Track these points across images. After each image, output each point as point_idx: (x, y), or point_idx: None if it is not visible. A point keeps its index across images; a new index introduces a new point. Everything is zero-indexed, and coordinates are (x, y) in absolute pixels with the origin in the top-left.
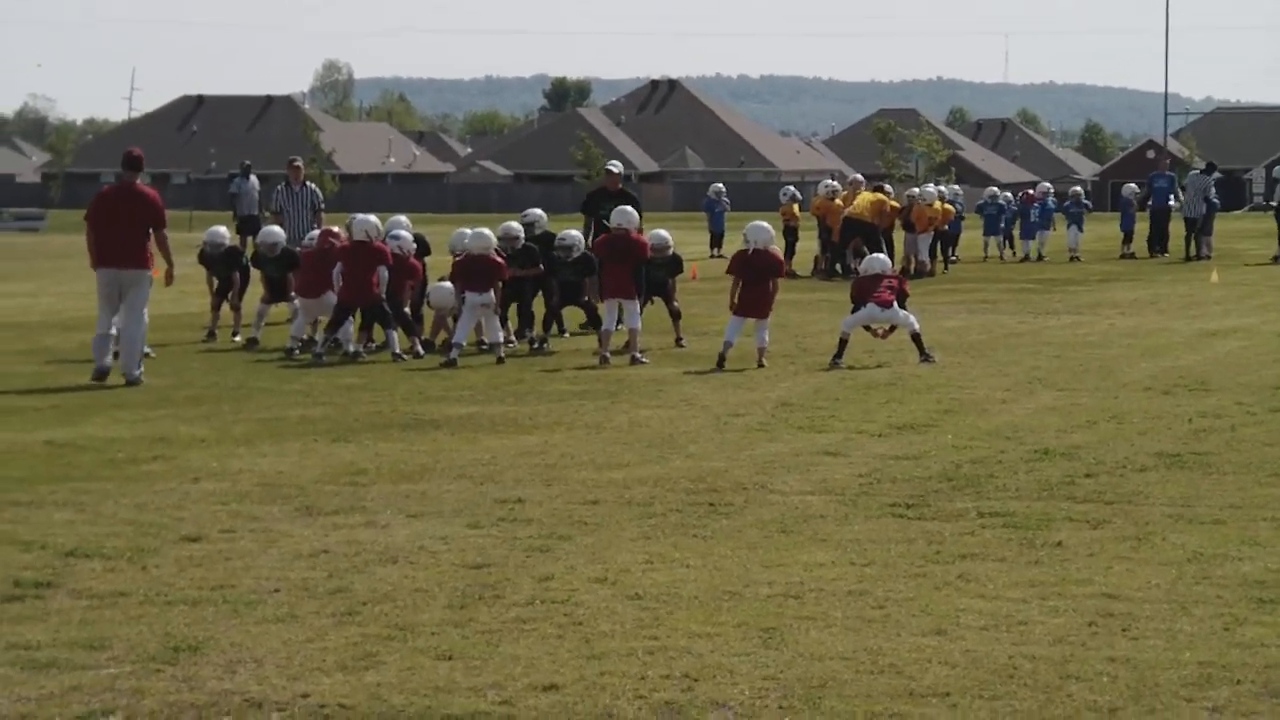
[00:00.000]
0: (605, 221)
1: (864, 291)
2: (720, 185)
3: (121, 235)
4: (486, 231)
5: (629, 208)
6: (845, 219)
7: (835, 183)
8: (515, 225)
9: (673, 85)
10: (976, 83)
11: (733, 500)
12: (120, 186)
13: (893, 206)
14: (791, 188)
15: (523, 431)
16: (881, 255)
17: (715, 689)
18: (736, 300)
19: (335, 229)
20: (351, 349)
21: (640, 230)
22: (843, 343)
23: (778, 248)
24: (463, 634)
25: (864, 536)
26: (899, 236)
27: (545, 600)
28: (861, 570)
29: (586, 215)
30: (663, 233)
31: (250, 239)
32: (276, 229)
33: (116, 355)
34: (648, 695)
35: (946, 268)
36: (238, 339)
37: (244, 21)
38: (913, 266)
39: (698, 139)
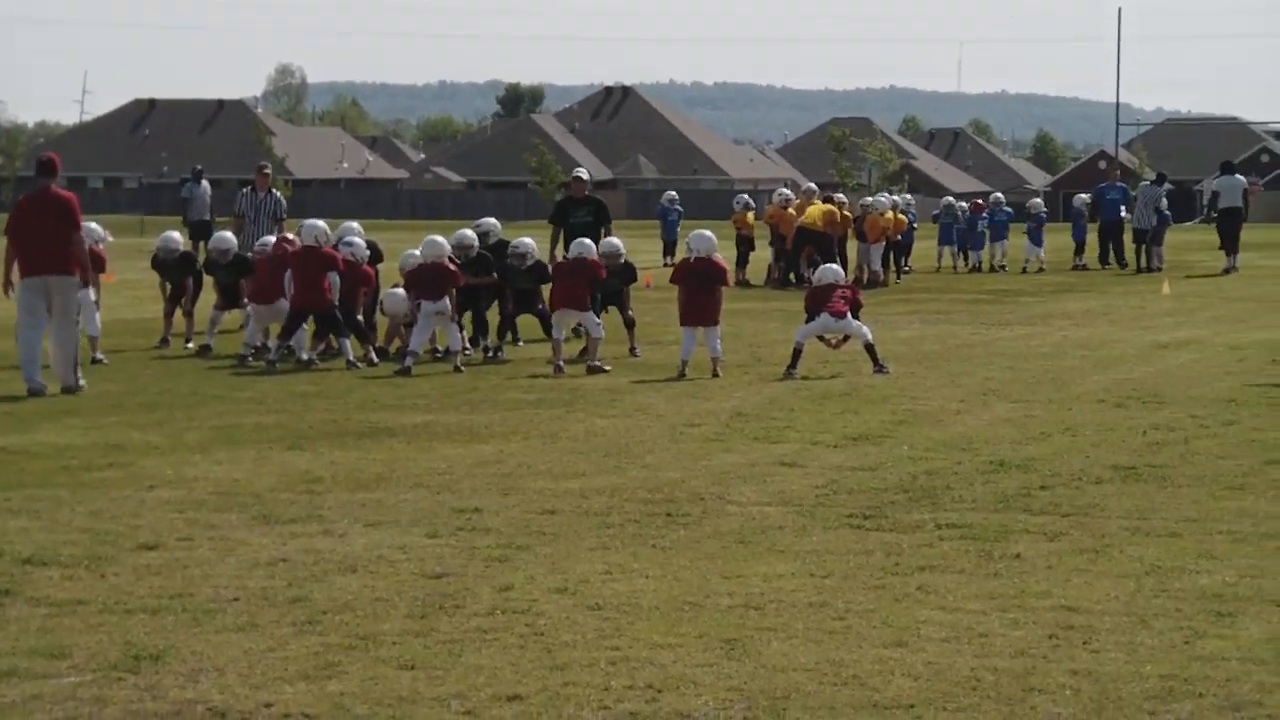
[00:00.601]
0: (574, 229)
1: (817, 301)
2: (673, 193)
3: (46, 243)
4: (440, 239)
5: (588, 240)
6: (798, 228)
7: (788, 191)
8: (469, 234)
9: (626, 92)
10: (929, 91)
11: (690, 511)
12: (38, 193)
13: (844, 216)
14: (745, 196)
15: (479, 440)
16: (834, 265)
17: (679, 700)
18: (682, 310)
19: (290, 235)
20: (305, 356)
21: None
22: (796, 353)
23: (721, 256)
24: (424, 644)
25: (822, 548)
26: (852, 246)
27: (506, 610)
28: (821, 582)
29: (555, 225)
30: (614, 241)
31: (202, 244)
32: (228, 234)
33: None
34: (612, 706)
35: (899, 278)
36: (190, 346)
37: (196, 24)
38: (865, 276)
39: (651, 146)
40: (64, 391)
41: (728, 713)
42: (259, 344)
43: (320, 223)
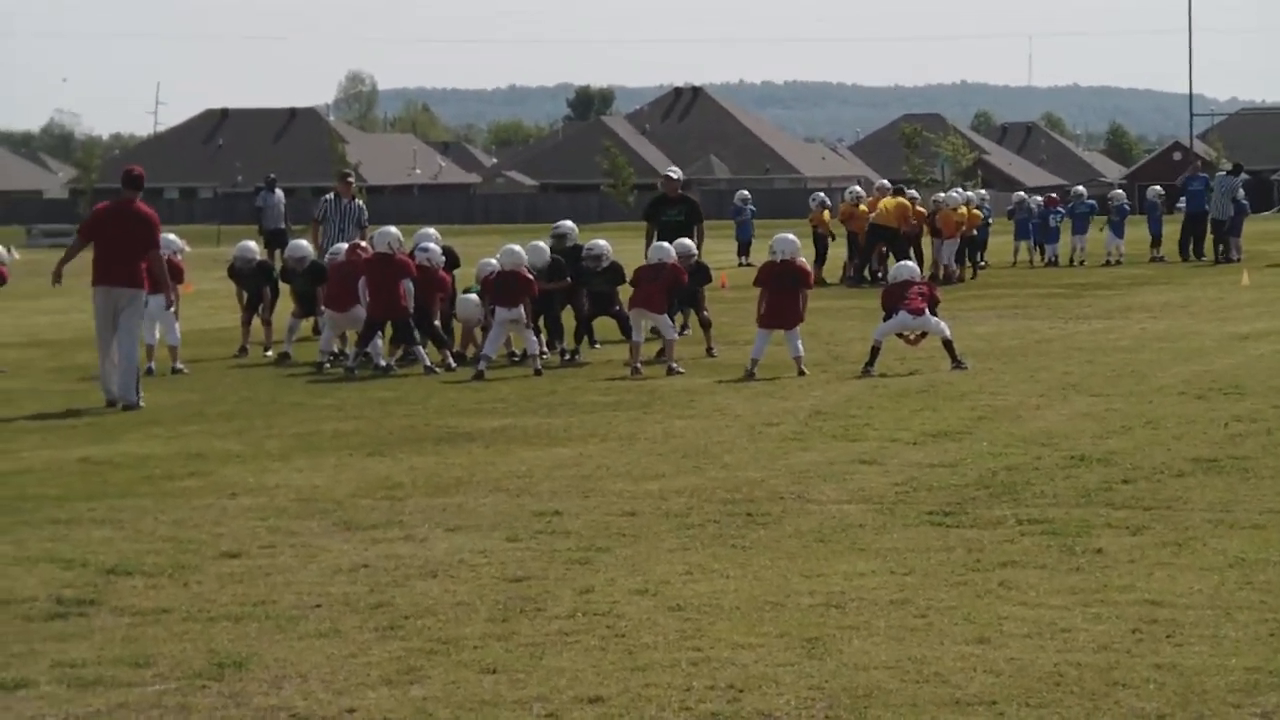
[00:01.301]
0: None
1: (894, 299)
2: (746, 193)
3: (118, 254)
4: (517, 248)
5: (666, 245)
6: (871, 225)
7: (860, 189)
8: (543, 246)
9: (696, 92)
10: (1001, 86)
11: (770, 510)
12: (120, 204)
13: (917, 211)
14: (821, 194)
15: (557, 443)
16: (909, 263)
17: (760, 700)
18: (763, 311)
19: (363, 243)
20: (383, 363)
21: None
22: (875, 351)
23: (804, 259)
24: (506, 647)
25: (903, 545)
26: (926, 243)
27: (587, 612)
28: (902, 579)
29: (649, 223)
30: (687, 241)
31: (277, 252)
32: (304, 243)
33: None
34: (693, 706)
35: (975, 274)
36: (269, 354)
37: (267, 34)
38: (941, 273)
39: (723, 146)
40: (123, 409)
41: (809, 712)
42: (334, 351)
43: (393, 230)
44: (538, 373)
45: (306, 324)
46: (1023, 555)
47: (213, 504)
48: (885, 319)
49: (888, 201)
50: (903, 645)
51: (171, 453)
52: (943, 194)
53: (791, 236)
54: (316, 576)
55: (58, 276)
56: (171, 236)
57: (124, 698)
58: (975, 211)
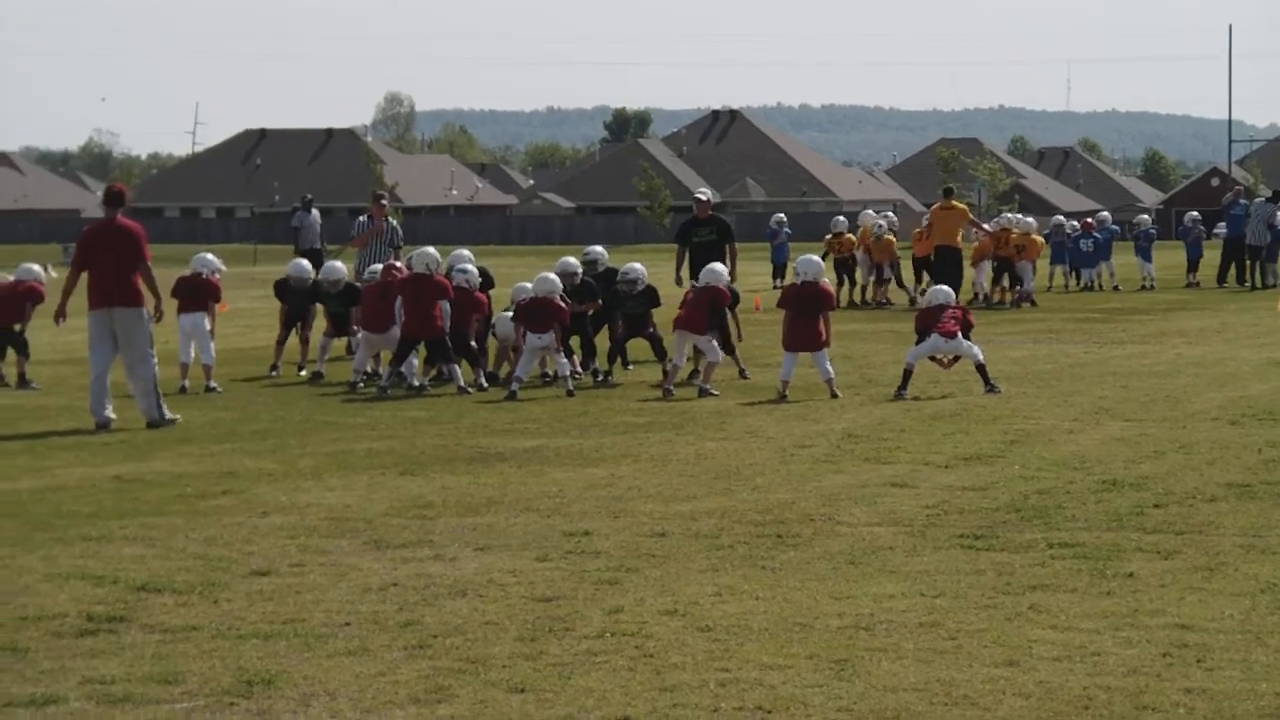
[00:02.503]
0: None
1: (928, 322)
2: (782, 215)
3: (110, 274)
4: (552, 276)
5: (719, 266)
6: (938, 248)
7: (880, 221)
8: (572, 260)
9: (733, 115)
10: (1038, 111)
11: (800, 532)
12: (104, 224)
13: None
14: (842, 218)
15: (588, 464)
16: (944, 286)
17: None
18: (788, 334)
19: (398, 263)
20: (416, 382)
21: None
22: (907, 374)
23: (829, 281)
24: (534, 667)
25: (933, 568)
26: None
27: (616, 632)
28: (932, 602)
29: (681, 245)
30: (718, 267)
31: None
32: (339, 264)
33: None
34: None
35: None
36: (304, 373)
37: (306, 55)
38: (980, 296)
39: (759, 169)
40: (149, 426)
41: None
42: (368, 371)
43: (431, 250)
44: (570, 394)
45: (339, 343)
46: (1053, 579)
47: (244, 522)
48: (918, 342)
49: (945, 215)
50: (932, 668)
51: (204, 471)
52: (1012, 216)
53: (816, 259)
54: (346, 595)
55: (61, 314)
56: (209, 256)
57: (153, 715)
58: (1038, 237)
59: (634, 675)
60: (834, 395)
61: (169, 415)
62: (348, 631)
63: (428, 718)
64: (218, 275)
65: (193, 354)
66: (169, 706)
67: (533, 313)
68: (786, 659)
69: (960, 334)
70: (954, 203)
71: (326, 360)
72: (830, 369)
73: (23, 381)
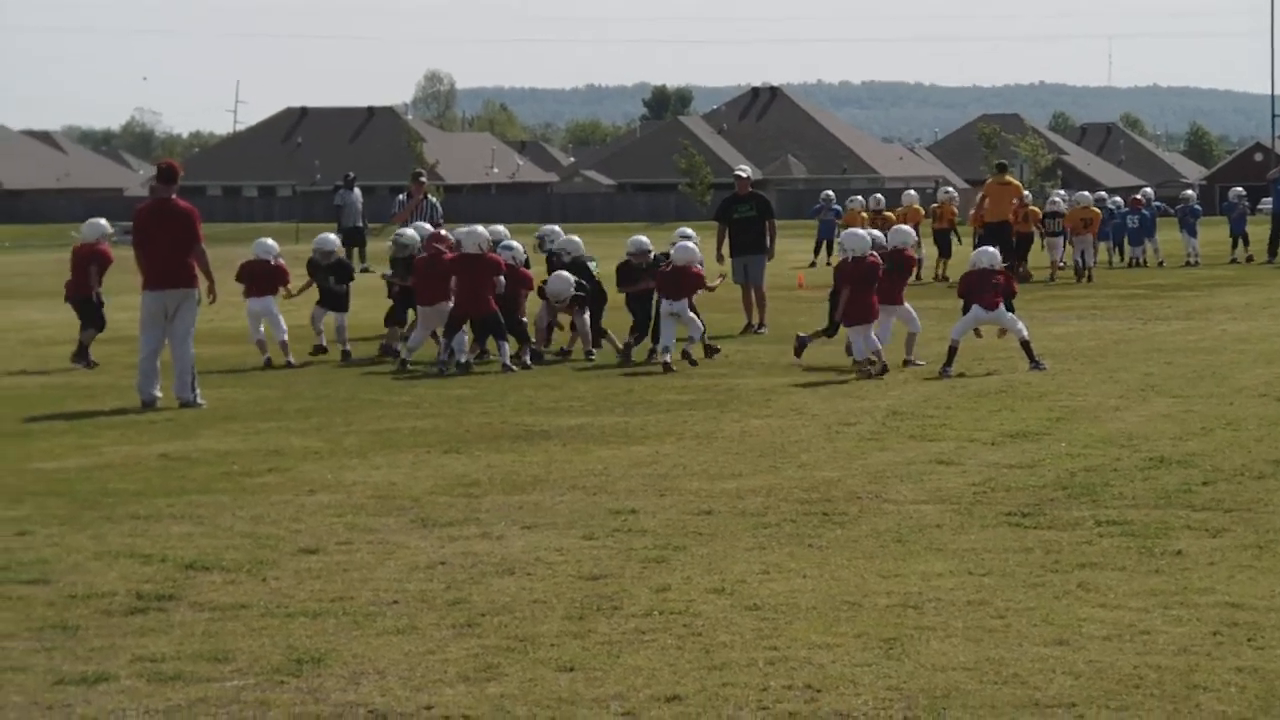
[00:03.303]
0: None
1: (971, 286)
2: (830, 192)
3: (164, 255)
4: (692, 245)
5: (690, 244)
6: (988, 224)
7: (952, 190)
8: (645, 240)
9: (774, 92)
10: (1079, 86)
11: (847, 510)
12: (157, 203)
13: (1033, 211)
14: (859, 197)
15: (634, 442)
16: (991, 249)
17: (838, 700)
18: (849, 309)
19: (444, 232)
20: (463, 359)
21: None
22: (952, 351)
23: (876, 254)
24: (583, 645)
25: (981, 546)
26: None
27: (664, 611)
28: (980, 580)
29: (720, 222)
30: (642, 239)
31: (355, 251)
32: (331, 236)
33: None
34: (771, 706)
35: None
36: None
37: (345, 33)
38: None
39: (800, 146)
40: (181, 406)
41: (887, 712)
42: (396, 349)
43: (480, 228)
44: (589, 355)
45: (325, 321)
46: (1102, 557)
47: (291, 500)
48: (964, 311)
49: (998, 190)
50: (981, 646)
51: (250, 449)
52: (1062, 193)
53: (861, 232)
54: (394, 573)
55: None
56: (270, 242)
57: (203, 693)
58: (1095, 210)
59: (682, 654)
60: (864, 375)
61: (200, 399)
62: (396, 610)
63: (477, 696)
64: (282, 260)
65: (263, 333)
66: (219, 684)
67: (670, 281)
68: (835, 637)
69: (1002, 305)
70: (1007, 178)
71: (336, 339)
72: (863, 349)
73: (81, 355)
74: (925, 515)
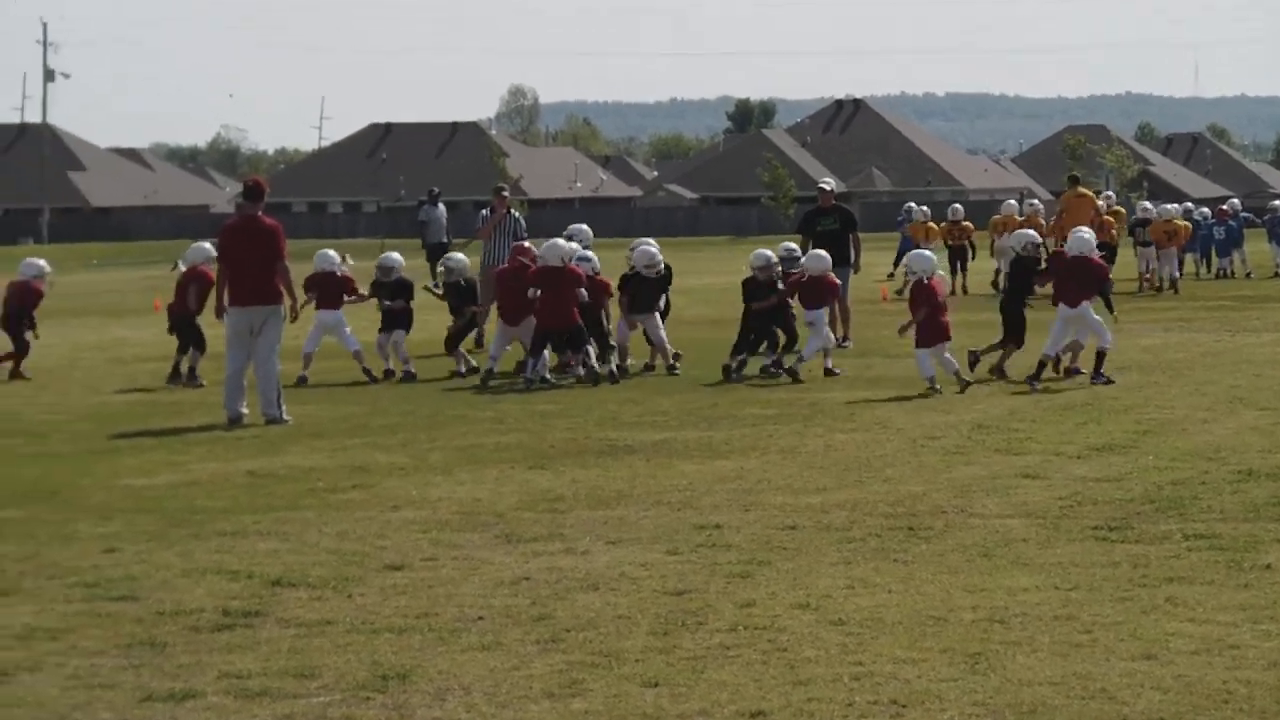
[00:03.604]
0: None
1: (1060, 267)
2: (913, 204)
3: (250, 272)
4: (826, 255)
5: (822, 252)
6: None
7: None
8: (769, 253)
9: (858, 104)
10: (1165, 96)
11: (932, 524)
12: (244, 220)
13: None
14: (925, 207)
15: (718, 456)
16: (1086, 232)
17: (924, 715)
18: (924, 331)
19: (527, 244)
20: (547, 375)
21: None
22: (1042, 365)
23: (940, 275)
24: (667, 661)
25: (1067, 560)
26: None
27: (748, 626)
28: (1066, 594)
29: (804, 235)
30: (651, 250)
31: (440, 267)
32: (395, 255)
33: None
34: None
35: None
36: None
37: (430, 48)
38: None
39: (884, 158)
40: (267, 423)
41: None
42: (468, 365)
43: (561, 242)
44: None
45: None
46: (1189, 571)
47: (375, 516)
48: (1054, 300)
49: (1076, 201)
50: (1068, 661)
51: (335, 465)
52: (1148, 204)
53: (929, 253)
54: (479, 589)
55: (220, 311)
56: (332, 253)
57: (289, 709)
58: (1181, 222)
59: (767, 669)
60: (931, 391)
61: (286, 416)
62: (481, 626)
63: (562, 712)
64: (345, 269)
65: (317, 347)
66: (305, 701)
67: (810, 289)
68: (920, 653)
69: (1087, 304)
70: (1081, 189)
71: (397, 357)
72: (953, 362)
73: (191, 376)
74: (1011, 529)
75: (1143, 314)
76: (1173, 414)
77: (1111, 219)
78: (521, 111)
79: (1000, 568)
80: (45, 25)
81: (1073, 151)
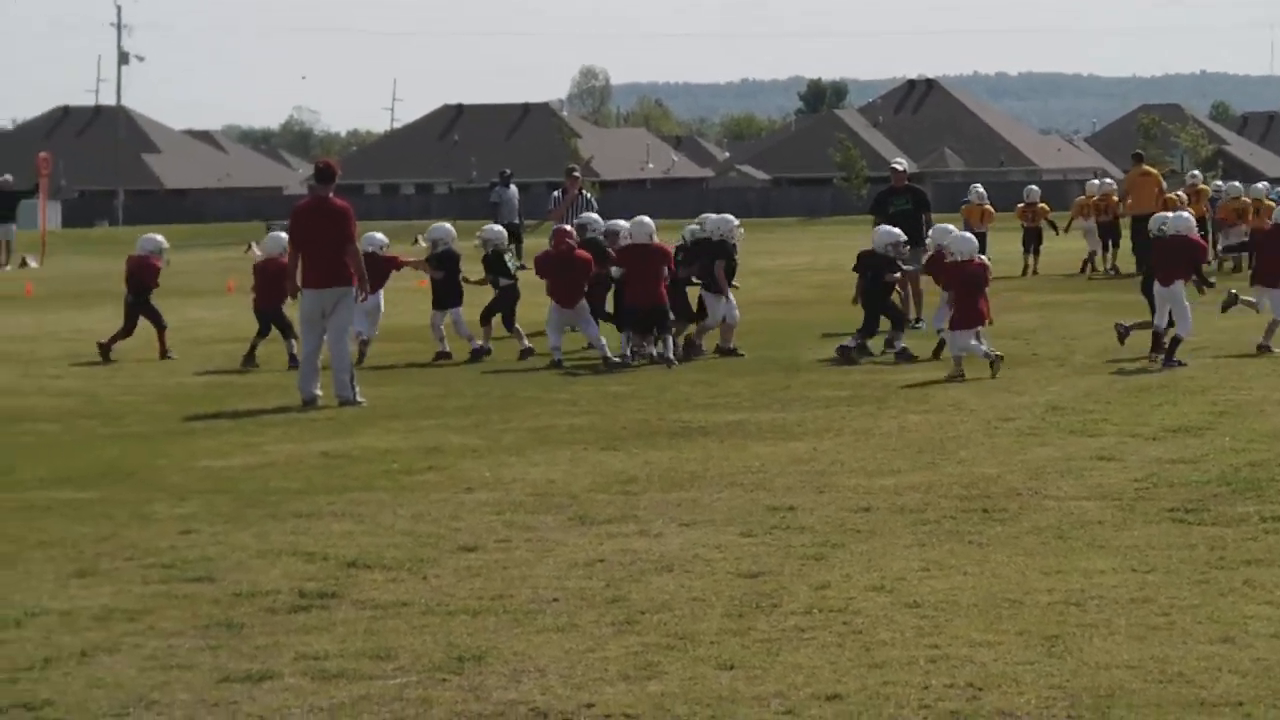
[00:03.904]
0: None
1: (1163, 257)
2: (980, 187)
3: (324, 253)
4: (971, 237)
5: (645, 218)
6: (1134, 216)
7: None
8: (897, 231)
9: (930, 84)
10: (1241, 75)
11: (1006, 506)
12: (315, 201)
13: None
14: (1035, 188)
15: (791, 438)
16: (1188, 215)
17: (1001, 698)
18: (953, 314)
19: (568, 227)
20: (616, 357)
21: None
22: (1157, 337)
23: (984, 257)
24: (742, 643)
25: (1143, 542)
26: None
27: (823, 609)
28: (1143, 577)
29: (877, 215)
30: (644, 220)
31: (513, 247)
32: (445, 225)
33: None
34: (932, 705)
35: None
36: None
37: (502, 30)
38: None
39: (956, 138)
40: (341, 405)
41: (1051, 711)
42: (526, 345)
43: (647, 219)
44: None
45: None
46: (1267, 553)
47: (450, 498)
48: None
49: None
50: (1145, 644)
51: (409, 447)
52: (1223, 184)
53: (970, 235)
54: (553, 571)
55: (293, 291)
56: (379, 235)
57: (366, 690)
58: (1269, 202)
59: (843, 652)
60: (994, 375)
61: (359, 398)
62: (555, 607)
63: (638, 694)
64: (387, 249)
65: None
66: (381, 682)
67: (958, 274)
68: (996, 635)
69: (1180, 284)
70: (1145, 168)
71: (458, 334)
72: (981, 345)
73: (292, 361)
74: (1087, 511)
75: (1218, 295)
76: (1250, 395)
77: (1178, 198)
78: (593, 92)
79: (1076, 550)
80: (119, 8)
81: (1147, 131)
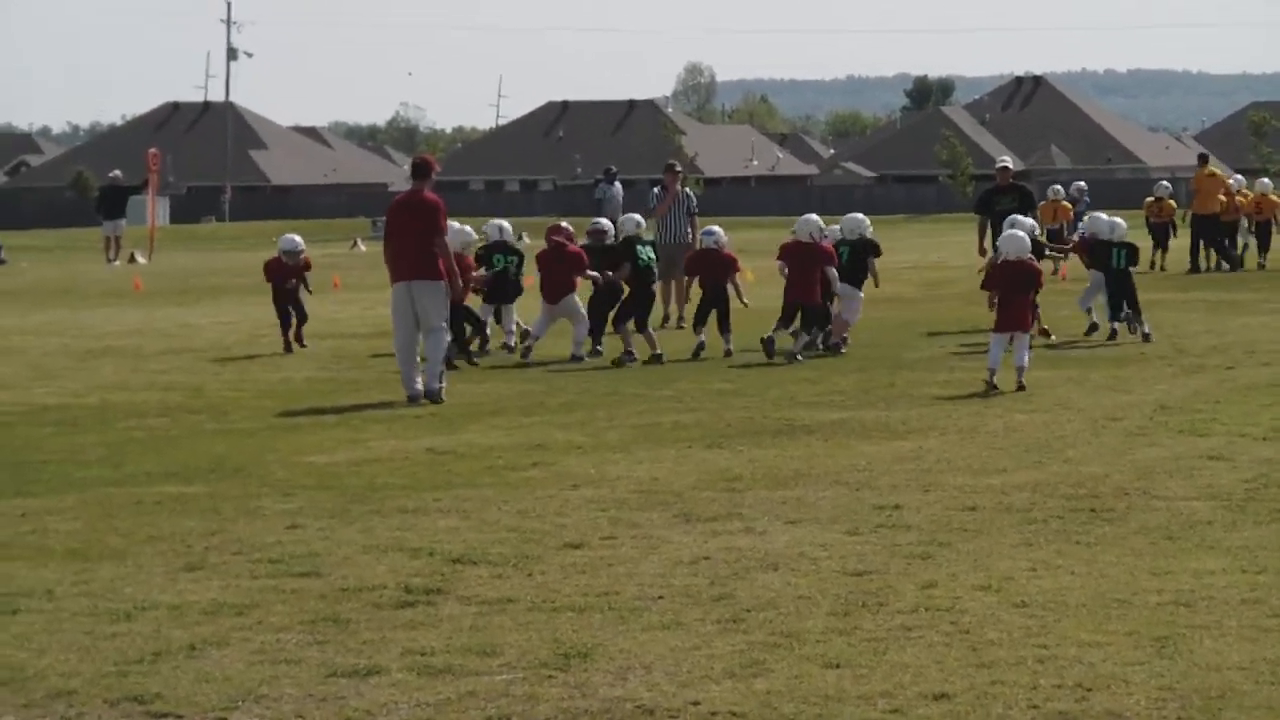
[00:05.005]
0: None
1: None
2: (1083, 183)
3: (409, 246)
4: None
5: (813, 215)
6: (1197, 216)
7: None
8: (1031, 222)
9: (1037, 81)
10: None
11: (1114, 506)
12: (408, 196)
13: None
14: (1166, 184)
15: (896, 437)
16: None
17: (1110, 699)
18: (997, 316)
19: (565, 224)
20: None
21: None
22: None
23: (1034, 258)
24: (848, 642)
25: (1254, 543)
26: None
27: (929, 608)
28: (1254, 578)
29: (981, 214)
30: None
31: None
32: (501, 223)
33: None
34: (1041, 705)
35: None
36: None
37: (607, 26)
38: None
39: (1064, 136)
40: (426, 396)
41: (1161, 712)
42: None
43: (814, 217)
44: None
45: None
46: None
47: (555, 494)
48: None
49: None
50: (1257, 646)
51: (514, 443)
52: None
53: (1021, 234)
54: (658, 568)
55: (462, 289)
56: (468, 228)
57: (472, 686)
58: None
59: (949, 651)
60: (1021, 387)
61: (444, 395)
62: (661, 605)
63: (744, 692)
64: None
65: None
66: (488, 678)
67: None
68: (1105, 636)
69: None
70: (1211, 169)
71: (507, 331)
72: (1027, 358)
73: (466, 354)
74: (1196, 512)
75: None
76: None
77: (1245, 195)
78: (698, 89)
79: (1185, 550)
80: (229, 4)
81: (1257, 129)
